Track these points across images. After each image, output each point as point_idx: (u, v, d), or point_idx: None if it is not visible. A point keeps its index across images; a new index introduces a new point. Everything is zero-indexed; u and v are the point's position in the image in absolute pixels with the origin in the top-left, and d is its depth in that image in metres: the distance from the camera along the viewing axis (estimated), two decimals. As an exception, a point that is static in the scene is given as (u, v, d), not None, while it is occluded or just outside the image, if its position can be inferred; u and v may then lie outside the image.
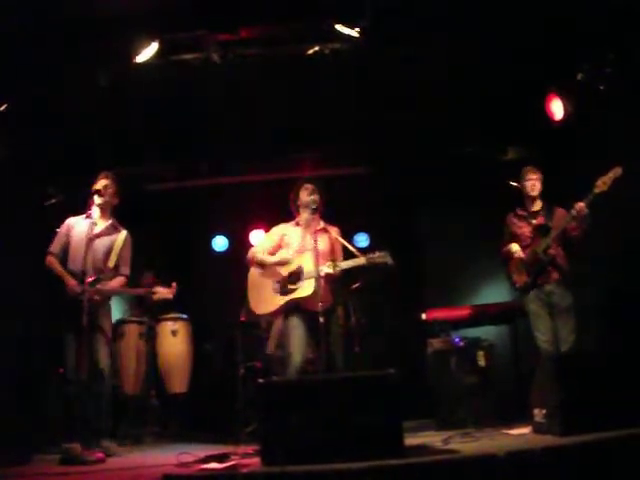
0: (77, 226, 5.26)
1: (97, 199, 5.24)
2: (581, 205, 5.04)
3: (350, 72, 5.93)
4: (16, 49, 5.06)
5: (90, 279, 4.98)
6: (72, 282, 5.01)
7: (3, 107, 5.46)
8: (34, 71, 5.35)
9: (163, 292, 5.27)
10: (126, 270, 5.38)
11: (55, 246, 5.25)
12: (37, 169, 6.20)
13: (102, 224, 5.34)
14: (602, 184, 4.96)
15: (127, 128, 6.38)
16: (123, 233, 5.41)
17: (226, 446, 5.14)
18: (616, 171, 4.94)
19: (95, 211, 5.28)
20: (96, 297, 5.05)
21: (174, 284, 5.29)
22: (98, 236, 5.27)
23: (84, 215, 5.29)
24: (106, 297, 5.26)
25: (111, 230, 5.37)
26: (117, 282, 5.30)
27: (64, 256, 5.23)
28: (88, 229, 5.10)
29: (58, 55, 5.29)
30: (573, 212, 5.09)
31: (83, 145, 6.36)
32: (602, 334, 5.72)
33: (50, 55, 5.27)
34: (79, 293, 4.91)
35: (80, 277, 5.01)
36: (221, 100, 6.15)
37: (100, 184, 5.28)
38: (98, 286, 5.06)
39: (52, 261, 5.21)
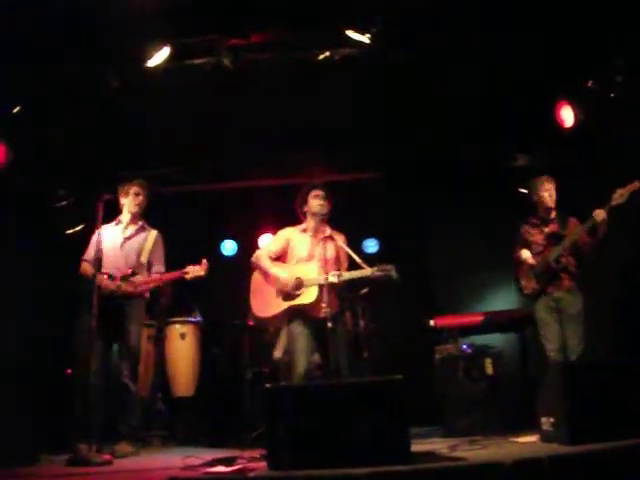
0: (107, 233, 5.33)
1: (129, 206, 5.39)
2: (601, 211, 5.02)
3: (361, 78, 5.94)
4: (31, 51, 5.09)
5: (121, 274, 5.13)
6: (105, 279, 5.08)
7: (16, 109, 5.50)
8: (46, 74, 5.38)
9: (195, 270, 5.27)
10: (160, 268, 5.44)
11: (88, 253, 5.33)
12: (47, 172, 6.23)
13: (132, 228, 5.45)
14: (619, 196, 4.95)
15: (137, 131, 6.40)
16: (153, 232, 5.51)
17: (232, 450, 5.14)
18: (634, 185, 4.92)
19: (125, 216, 5.42)
20: (129, 288, 5.13)
21: (204, 260, 5.29)
22: (129, 239, 5.41)
23: (114, 222, 5.44)
24: (139, 291, 5.29)
25: (141, 231, 5.48)
26: (146, 276, 5.37)
27: (99, 263, 5.28)
28: (119, 234, 5.34)
29: (71, 58, 5.32)
30: (592, 219, 5.06)
31: (93, 148, 6.39)
32: (614, 342, 5.70)
33: (63, 58, 5.30)
34: (112, 289, 5.03)
35: (112, 278, 5.15)
36: (232, 104, 6.17)
37: (133, 191, 5.41)
38: (131, 279, 5.16)
39: (86, 267, 5.29)
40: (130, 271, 5.20)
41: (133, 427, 5.18)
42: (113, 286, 5.09)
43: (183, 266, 5.31)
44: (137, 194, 5.41)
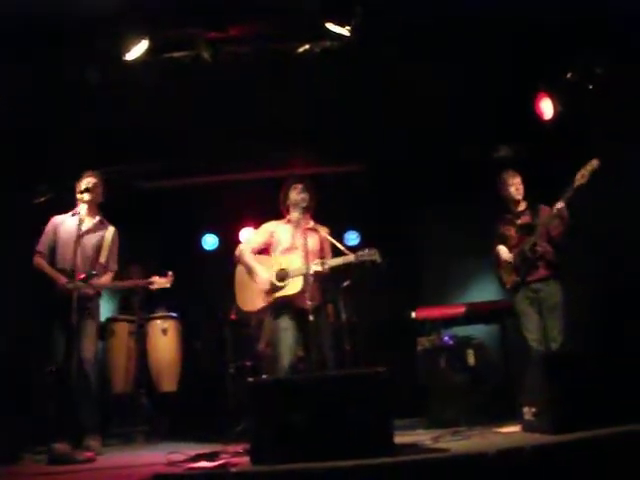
0: (64, 224, 5.25)
1: (85, 197, 5.23)
2: (560, 206, 5.08)
3: (341, 70, 5.92)
4: (3, 48, 5.03)
5: (82, 276, 4.95)
6: (63, 279, 4.99)
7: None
8: (24, 69, 5.32)
9: (161, 282, 5.26)
10: (114, 266, 5.38)
11: (42, 245, 5.22)
12: (25, 167, 6.16)
13: (90, 221, 5.32)
14: (581, 177, 5.02)
15: (117, 126, 6.35)
16: (111, 229, 5.40)
17: (216, 445, 5.12)
18: (593, 163, 4.99)
19: (82, 208, 5.28)
20: (89, 291, 5.05)
21: (170, 273, 5.28)
22: (87, 233, 5.25)
23: (70, 213, 5.29)
24: (97, 293, 5.25)
25: (99, 227, 5.37)
26: (106, 278, 5.28)
27: (52, 255, 5.21)
28: (76, 227, 5.08)
29: (48, 52, 5.26)
30: (554, 212, 5.13)
31: (72, 143, 6.33)
32: (594, 331, 5.75)
33: (41, 52, 5.25)
34: (71, 290, 4.86)
35: (70, 274, 5.00)
36: (211, 98, 6.13)
37: (87, 182, 5.27)
38: (91, 281, 5.03)
39: (40, 261, 5.18)
40: (86, 274, 5.01)
41: (98, 422, 5.13)
42: (71, 286, 4.90)
43: (149, 276, 5.32)
44: (92, 184, 5.26)
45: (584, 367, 4.04)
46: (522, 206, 5.57)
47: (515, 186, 5.53)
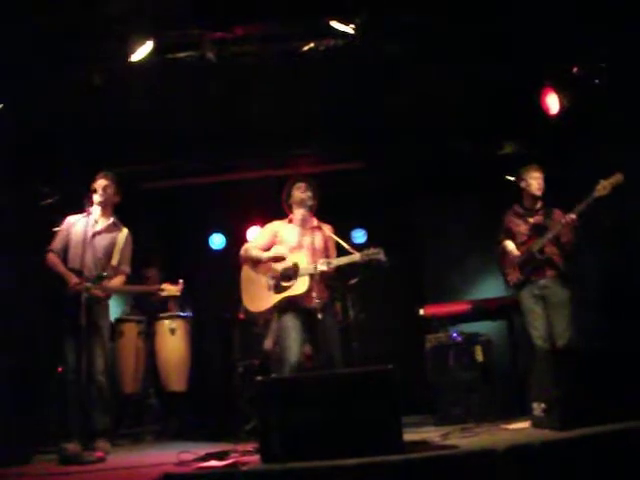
0: (77, 224, 5.25)
1: (97, 198, 5.23)
2: (572, 217, 5.08)
3: (345, 68, 5.92)
4: (9, 48, 5.04)
5: (92, 276, 4.99)
6: (74, 279, 4.99)
7: (-1, 107, 5.45)
8: (27, 71, 5.33)
9: (171, 289, 5.25)
10: (127, 268, 5.37)
11: (56, 244, 5.22)
12: (32, 169, 6.18)
13: (103, 222, 5.33)
14: (602, 189, 4.97)
15: (123, 127, 6.36)
16: (124, 231, 5.40)
17: (226, 444, 5.14)
18: (617, 177, 4.96)
19: (95, 209, 5.27)
20: (99, 293, 5.05)
21: (181, 281, 5.27)
22: (99, 234, 5.27)
23: (84, 213, 5.28)
24: (108, 295, 5.25)
25: (112, 228, 5.37)
26: (118, 280, 5.28)
27: (64, 255, 5.22)
28: (89, 227, 5.11)
29: (53, 54, 5.27)
30: (564, 221, 5.12)
31: (79, 144, 6.35)
32: (601, 328, 5.74)
33: (44, 54, 5.26)
34: (81, 290, 4.87)
35: (81, 275, 5.02)
36: (217, 98, 6.14)
37: (99, 184, 5.28)
38: (102, 283, 5.04)
39: (53, 259, 5.18)
40: (104, 274, 5.06)
41: (108, 424, 5.15)
42: (82, 287, 4.90)
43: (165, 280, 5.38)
44: (103, 187, 5.26)
45: (591, 363, 4.03)
46: (538, 204, 5.52)
47: (537, 181, 5.46)
